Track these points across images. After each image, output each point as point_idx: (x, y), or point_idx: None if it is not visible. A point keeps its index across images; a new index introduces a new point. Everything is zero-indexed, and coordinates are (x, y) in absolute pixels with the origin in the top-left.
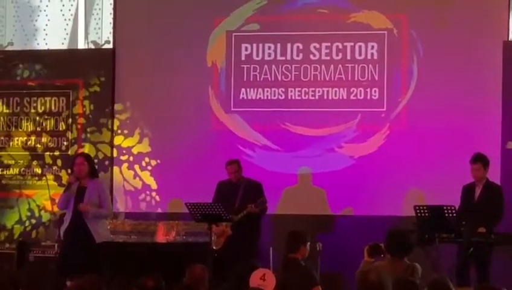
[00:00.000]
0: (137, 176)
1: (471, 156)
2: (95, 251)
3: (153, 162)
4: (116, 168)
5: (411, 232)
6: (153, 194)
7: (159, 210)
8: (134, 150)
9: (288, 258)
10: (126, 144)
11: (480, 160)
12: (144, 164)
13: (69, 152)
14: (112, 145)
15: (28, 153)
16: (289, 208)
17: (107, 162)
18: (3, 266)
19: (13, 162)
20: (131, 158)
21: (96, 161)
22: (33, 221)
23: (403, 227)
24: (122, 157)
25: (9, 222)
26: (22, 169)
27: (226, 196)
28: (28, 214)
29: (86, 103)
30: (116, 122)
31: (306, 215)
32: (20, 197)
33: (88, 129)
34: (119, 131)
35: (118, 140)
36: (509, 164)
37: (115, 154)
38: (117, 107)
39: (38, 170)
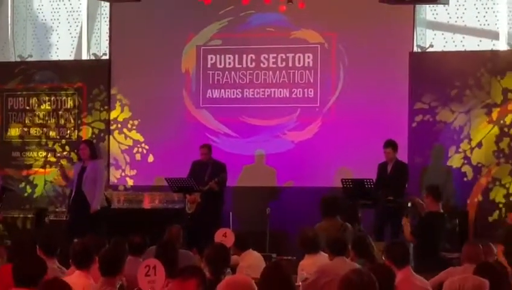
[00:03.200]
0: (127, 136)
1: (384, 142)
2: (94, 215)
3: (136, 122)
4: (110, 137)
5: (340, 199)
6: (143, 145)
7: (151, 157)
8: (120, 118)
9: None
10: (112, 115)
11: (390, 145)
12: (129, 125)
13: (73, 138)
14: (107, 121)
15: (44, 150)
16: (246, 182)
17: (102, 134)
18: (25, 227)
19: (33, 160)
20: (119, 125)
21: (94, 136)
22: (60, 199)
23: (333, 195)
24: (112, 127)
25: (42, 204)
26: (41, 162)
27: (198, 173)
28: (54, 193)
29: (75, 96)
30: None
31: (259, 187)
32: (44, 173)
33: (81, 115)
34: (104, 108)
35: (106, 115)
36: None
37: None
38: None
39: (53, 159)
